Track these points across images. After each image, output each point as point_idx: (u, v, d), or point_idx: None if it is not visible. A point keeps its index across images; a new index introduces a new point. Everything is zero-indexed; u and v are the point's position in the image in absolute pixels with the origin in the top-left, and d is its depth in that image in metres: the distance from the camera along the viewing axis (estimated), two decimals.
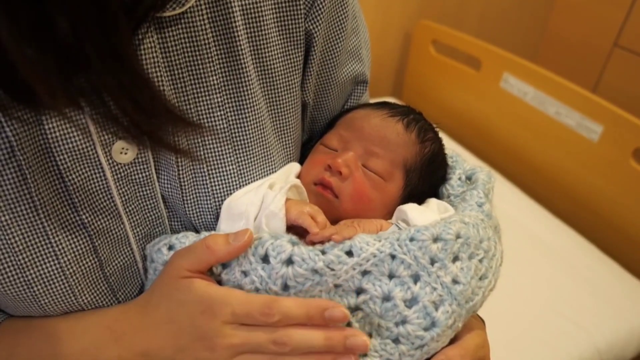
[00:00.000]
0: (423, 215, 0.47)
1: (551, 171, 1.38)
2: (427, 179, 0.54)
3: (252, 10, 0.45)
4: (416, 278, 0.42)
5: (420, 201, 0.52)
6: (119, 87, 0.29)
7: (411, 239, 0.42)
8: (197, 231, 0.48)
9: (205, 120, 0.45)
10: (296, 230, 0.45)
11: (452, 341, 0.44)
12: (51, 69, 0.26)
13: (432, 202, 0.52)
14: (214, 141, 0.46)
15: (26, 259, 0.40)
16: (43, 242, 0.40)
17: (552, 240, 1.17)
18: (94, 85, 0.28)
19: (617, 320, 1.00)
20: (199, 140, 0.45)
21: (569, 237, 1.20)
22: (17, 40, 0.24)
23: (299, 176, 0.53)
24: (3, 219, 0.38)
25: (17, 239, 0.39)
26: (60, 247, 0.41)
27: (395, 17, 1.65)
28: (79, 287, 0.43)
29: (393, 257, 0.42)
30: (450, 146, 1.44)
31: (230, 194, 0.48)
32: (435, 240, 0.42)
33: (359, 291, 0.42)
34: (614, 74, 1.73)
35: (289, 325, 0.40)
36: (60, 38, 0.25)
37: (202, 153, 0.46)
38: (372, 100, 0.62)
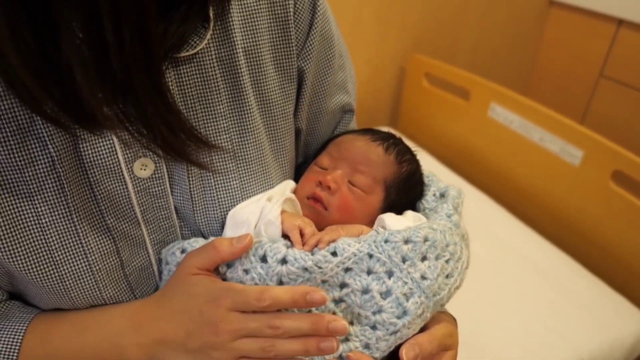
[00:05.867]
0: (399, 222, 0.54)
1: (536, 193, 1.45)
2: (404, 194, 0.61)
3: (253, 51, 0.53)
4: (390, 274, 0.48)
5: (398, 213, 0.59)
6: (156, 113, 0.37)
7: (386, 241, 0.49)
8: (205, 238, 0.55)
9: (213, 142, 0.53)
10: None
11: (423, 330, 0.51)
12: (109, 99, 0.35)
13: (409, 213, 0.59)
14: (220, 160, 0.54)
15: (60, 257, 0.46)
16: (75, 242, 0.47)
17: (538, 259, 1.22)
18: (138, 111, 0.37)
19: (600, 332, 1.05)
20: (208, 159, 0.53)
21: (554, 255, 1.25)
22: (87, 80, 0.33)
23: (294, 191, 0.60)
24: (44, 220, 0.45)
25: (53, 238, 0.46)
26: (89, 247, 0.47)
27: (391, 52, 1.74)
28: (104, 283, 0.49)
29: (371, 256, 0.48)
30: (441, 170, 1.52)
31: (234, 205, 0.54)
32: (406, 242, 0.49)
33: (342, 285, 0.48)
34: (601, 103, 1.79)
35: (281, 312, 0.47)
36: (116, 76, 0.34)
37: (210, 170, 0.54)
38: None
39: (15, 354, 0.48)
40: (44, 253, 0.46)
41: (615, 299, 1.14)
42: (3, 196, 0.43)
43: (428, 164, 1.58)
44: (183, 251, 0.52)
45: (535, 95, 1.97)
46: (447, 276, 0.51)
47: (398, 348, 0.48)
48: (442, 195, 0.62)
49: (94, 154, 0.46)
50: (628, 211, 1.20)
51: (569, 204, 1.35)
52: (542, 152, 1.39)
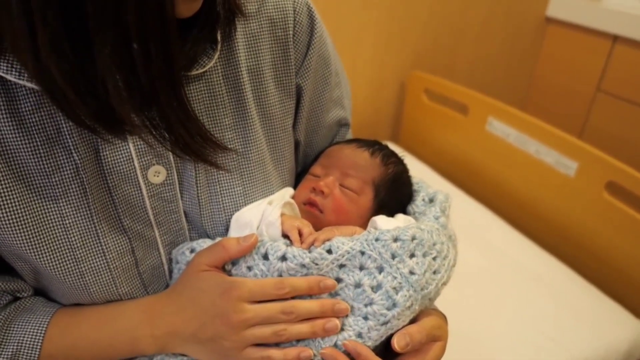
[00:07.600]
0: (389, 223, 0.58)
1: (532, 204, 1.48)
2: (393, 194, 0.65)
3: (255, 70, 0.58)
4: (380, 269, 0.52)
5: (390, 216, 0.64)
6: (177, 120, 0.42)
7: (376, 239, 0.53)
8: (211, 239, 0.60)
9: (224, 146, 0.58)
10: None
11: (412, 322, 0.55)
12: (136, 108, 0.40)
13: (400, 216, 0.63)
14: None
15: (81, 254, 0.51)
16: (95, 242, 0.51)
17: (534, 267, 1.25)
18: (161, 118, 0.42)
19: (595, 338, 1.07)
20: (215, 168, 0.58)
21: (550, 263, 1.27)
22: (117, 92, 0.39)
23: (293, 198, 0.65)
24: (67, 221, 0.50)
25: (75, 238, 0.50)
26: (107, 246, 0.52)
27: (391, 69, 1.80)
28: (120, 280, 0.54)
29: (363, 253, 0.53)
30: (440, 182, 1.56)
31: (238, 209, 0.59)
32: (395, 240, 0.53)
33: (337, 280, 0.53)
34: (599, 117, 1.80)
35: (294, 300, 0.51)
36: (143, 89, 0.39)
37: (216, 177, 0.58)
38: None
39: (39, 345, 0.52)
40: (67, 251, 0.51)
41: (610, 306, 1.16)
42: (32, 199, 0.48)
43: (428, 176, 1.64)
44: (192, 251, 0.57)
45: (534, 110, 2.01)
46: (434, 272, 0.55)
47: (390, 339, 0.52)
48: (431, 200, 0.67)
49: (113, 162, 0.51)
50: (621, 220, 1.23)
51: (565, 214, 1.39)
52: (538, 164, 1.42)
